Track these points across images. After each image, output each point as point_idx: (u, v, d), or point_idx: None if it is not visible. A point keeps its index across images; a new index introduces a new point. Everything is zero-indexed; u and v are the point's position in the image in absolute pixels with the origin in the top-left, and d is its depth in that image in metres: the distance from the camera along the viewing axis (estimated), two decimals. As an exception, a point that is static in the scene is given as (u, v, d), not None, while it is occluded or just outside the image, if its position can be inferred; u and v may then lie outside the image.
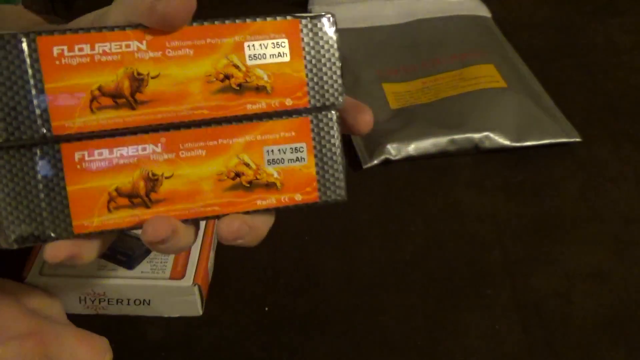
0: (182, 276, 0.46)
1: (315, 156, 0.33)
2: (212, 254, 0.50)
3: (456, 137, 0.62)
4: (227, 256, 0.52)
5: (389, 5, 0.82)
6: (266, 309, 0.49)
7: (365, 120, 0.34)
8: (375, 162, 0.61)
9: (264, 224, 0.34)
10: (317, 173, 0.33)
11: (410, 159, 0.62)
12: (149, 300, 0.47)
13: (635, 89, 0.71)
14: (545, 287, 0.50)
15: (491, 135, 0.62)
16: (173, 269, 0.47)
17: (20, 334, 0.37)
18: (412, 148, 0.62)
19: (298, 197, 0.33)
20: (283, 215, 0.38)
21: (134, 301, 0.47)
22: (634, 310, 0.48)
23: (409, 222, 0.56)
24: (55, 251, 0.30)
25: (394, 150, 0.61)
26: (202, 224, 0.50)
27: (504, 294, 0.49)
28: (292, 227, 0.55)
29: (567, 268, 0.51)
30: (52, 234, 0.30)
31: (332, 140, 0.33)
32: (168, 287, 0.46)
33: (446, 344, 0.46)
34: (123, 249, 0.47)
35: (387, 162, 0.61)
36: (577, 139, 0.63)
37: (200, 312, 0.48)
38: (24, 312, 0.38)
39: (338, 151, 0.33)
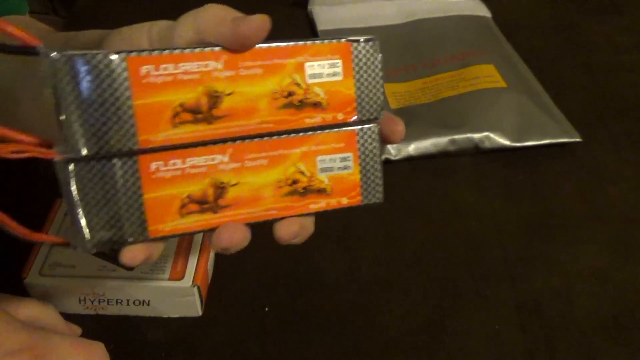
0: (182, 277, 0.46)
1: (360, 164, 0.37)
2: (212, 254, 0.50)
3: (456, 137, 0.62)
4: (227, 257, 0.52)
5: (389, 5, 0.82)
6: (266, 309, 0.49)
7: (399, 131, 0.38)
8: (375, 162, 0.61)
9: (311, 223, 0.37)
10: (361, 179, 0.37)
11: (410, 159, 0.62)
12: (149, 301, 0.47)
13: (635, 89, 0.71)
14: (545, 287, 0.50)
15: (491, 135, 0.62)
16: (172, 269, 0.47)
17: (15, 350, 0.37)
18: (412, 148, 0.62)
19: (344, 201, 0.37)
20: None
21: (134, 301, 0.47)
22: (634, 310, 0.48)
23: (409, 222, 0.56)
24: (133, 255, 0.32)
25: (394, 150, 0.61)
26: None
27: (504, 294, 0.49)
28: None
29: (567, 268, 0.51)
30: (130, 239, 0.32)
31: (374, 150, 0.37)
32: (167, 287, 0.46)
33: (446, 344, 0.46)
34: (123, 249, 0.47)
35: (387, 162, 0.61)
36: (577, 139, 0.63)
37: (200, 313, 0.48)
38: (17, 326, 0.38)
39: (378, 159, 0.37)
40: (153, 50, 0.31)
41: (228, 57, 0.33)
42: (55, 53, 0.29)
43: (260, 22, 0.32)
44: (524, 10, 0.86)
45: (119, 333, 0.47)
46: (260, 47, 0.34)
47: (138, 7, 0.83)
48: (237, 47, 0.33)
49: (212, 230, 0.34)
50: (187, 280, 0.46)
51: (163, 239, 0.33)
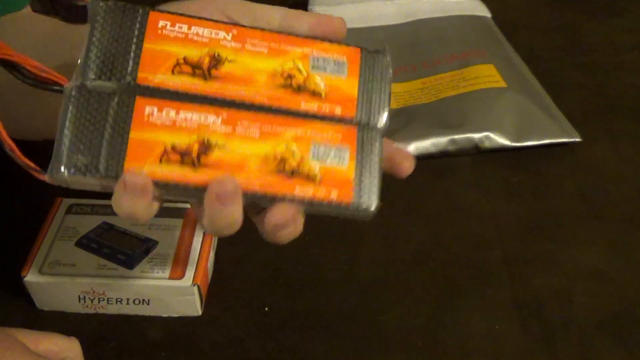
0: (182, 276, 0.46)
1: (356, 165, 0.35)
2: (212, 254, 0.50)
3: (456, 137, 0.62)
4: (227, 256, 0.52)
5: (389, 5, 0.82)
6: (266, 309, 0.48)
7: (407, 166, 0.38)
8: (375, 162, 0.61)
9: (302, 219, 0.35)
10: (354, 179, 0.35)
11: (410, 159, 0.61)
12: (149, 300, 0.47)
13: (635, 89, 0.71)
14: (545, 287, 0.50)
15: (491, 135, 0.62)
16: (173, 268, 0.47)
17: None
18: (412, 148, 0.62)
19: (333, 195, 0.35)
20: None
21: (134, 300, 0.47)
22: (634, 310, 0.48)
23: (409, 222, 0.56)
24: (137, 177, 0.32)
25: (394, 150, 0.61)
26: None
27: (504, 294, 0.49)
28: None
29: (567, 268, 0.51)
30: (102, 169, 0.33)
31: (373, 156, 0.36)
32: (167, 286, 0.46)
33: (446, 344, 0.46)
34: (123, 248, 0.47)
35: (387, 162, 0.61)
36: (577, 139, 0.63)
37: (200, 312, 0.48)
38: (34, 357, 0.38)
39: (377, 165, 0.36)
40: (175, 12, 0.35)
41: (238, 32, 0.35)
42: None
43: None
44: (524, 10, 0.86)
45: (118, 332, 0.47)
46: (272, 32, 0.36)
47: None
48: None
49: (185, 186, 0.33)
50: (187, 280, 0.46)
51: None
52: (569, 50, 0.77)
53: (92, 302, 0.47)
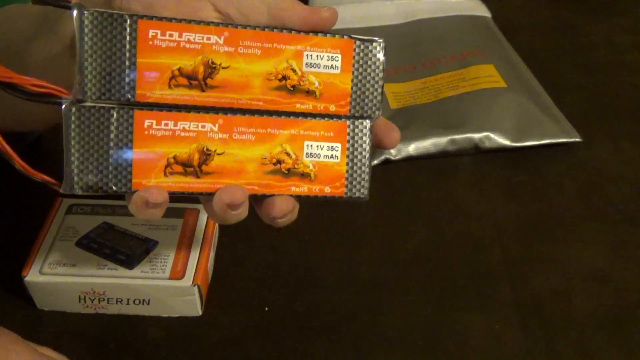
0: (182, 276, 0.46)
1: (347, 157, 0.37)
2: (212, 254, 0.50)
3: (456, 137, 0.62)
4: (227, 256, 0.52)
5: (389, 5, 0.82)
6: (266, 309, 0.48)
7: (394, 137, 0.39)
8: (375, 162, 0.61)
9: (297, 210, 0.38)
10: (347, 172, 0.37)
11: (410, 159, 0.62)
12: (149, 300, 0.47)
13: (635, 89, 0.71)
14: (545, 287, 0.50)
15: (491, 135, 0.62)
16: (173, 269, 0.47)
17: None
18: (412, 148, 0.62)
19: (327, 190, 0.37)
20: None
21: (134, 301, 0.47)
22: (634, 310, 0.48)
23: (409, 222, 0.56)
24: (156, 194, 0.35)
25: (394, 150, 0.61)
26: (202, 224, 0.50)
27: (504, 294, 0.49)
28: (292, 227, 0.55)
29: (567, 268, 0.51)
30: (114, 187, 0.35)
31: (364, 146, 0.37)
32: (168, 287, 0.46)
33: (446, 344, 0.46)
34: (123, 248, 0.47)
35: (387, 162, 0.61)
36: (577, 139, 0.63)
37: (200, 312, 0.48)
38: (37, 354, 0.39)
39: (367, 155, 0.38)
40: (162, 17, 0.34)
41: (230, 34, 0.35)
42: (84, 9, 0.33)
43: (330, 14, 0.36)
44: (524, 10, 0.86)
45: (118, 332, 0.47)
46: (263, 31, 0.36)
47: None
48: (306, 28, 0.36)
49: (191, 194, 0.36)
50: (188, 280, 0.46)
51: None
52: (569, 50, 0.78)
53: (92, 302, 0.47)
